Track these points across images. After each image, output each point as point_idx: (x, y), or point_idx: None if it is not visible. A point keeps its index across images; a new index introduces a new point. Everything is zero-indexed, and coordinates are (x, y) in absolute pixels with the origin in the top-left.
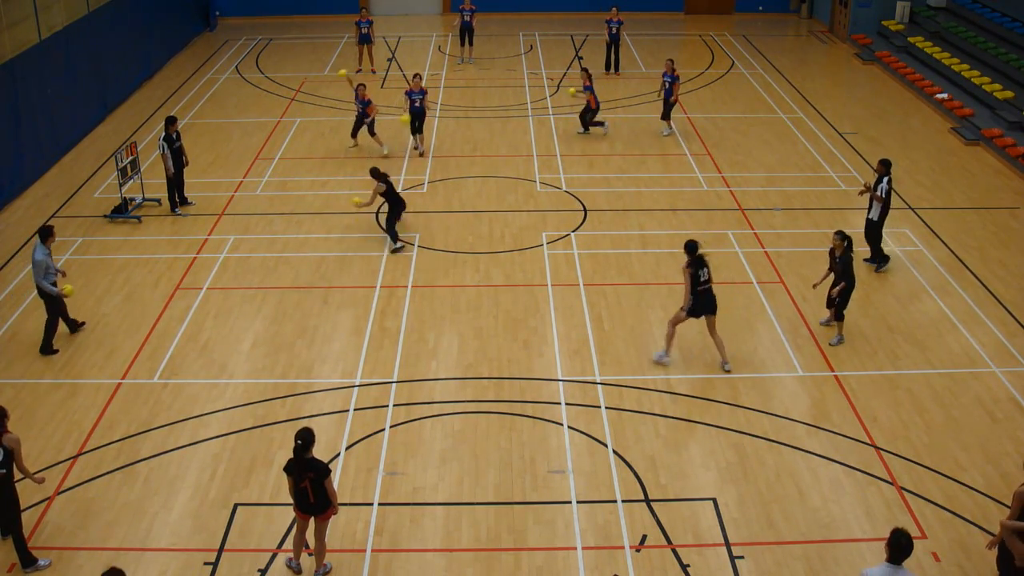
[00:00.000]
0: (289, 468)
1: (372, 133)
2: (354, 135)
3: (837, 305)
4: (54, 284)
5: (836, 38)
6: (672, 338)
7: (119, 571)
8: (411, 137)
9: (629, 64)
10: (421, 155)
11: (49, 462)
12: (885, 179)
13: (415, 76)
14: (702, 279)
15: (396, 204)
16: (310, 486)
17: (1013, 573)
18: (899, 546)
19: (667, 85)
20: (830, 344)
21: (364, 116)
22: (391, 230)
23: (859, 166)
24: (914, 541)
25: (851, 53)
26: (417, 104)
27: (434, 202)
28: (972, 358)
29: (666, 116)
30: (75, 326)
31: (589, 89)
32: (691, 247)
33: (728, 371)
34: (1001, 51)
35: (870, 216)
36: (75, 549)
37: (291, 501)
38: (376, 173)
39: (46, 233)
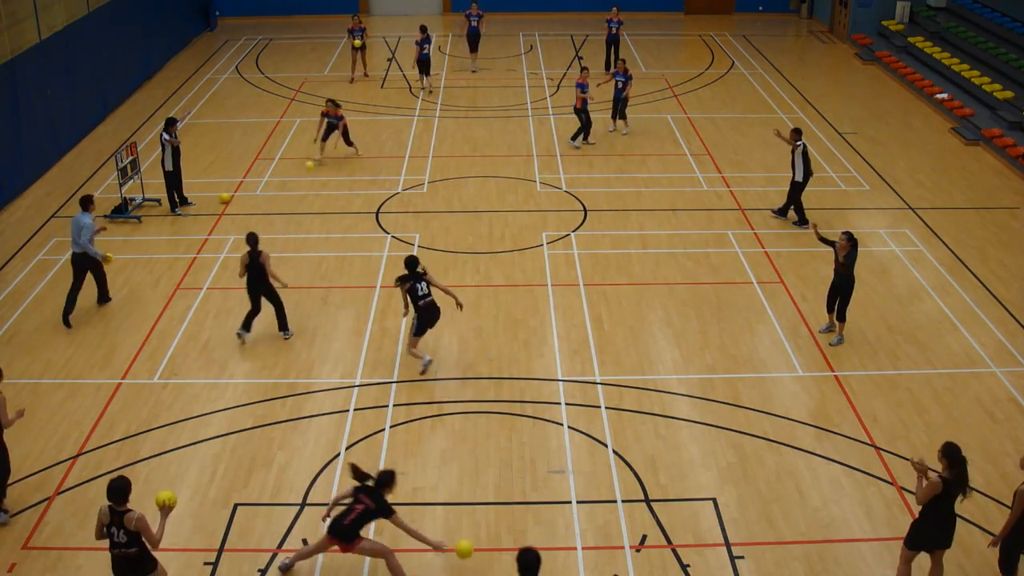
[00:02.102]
0: (356, 476)
1: (349, 142)
2: (324, 138)
3: (839, 306)
4: (85, 255)
5: (836, 38)
6: (417, 352)
7: (124, 479)
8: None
9: (629, 64)
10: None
11: (49, 462)
12: (800, 144)
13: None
14: (420, 292)
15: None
16: (359, 513)
17: (1013, 570)
18: (526, 565)
19: (620, 85)
20: (831, 344)
21: (334, 127)
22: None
23: (859, 166)
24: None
25: (851, 53)
26: (424, 46)
27: (434, 202)
28: (972, 358)
29: (622, 116)
30: (105, 297)
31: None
32: (410, 263)
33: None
34: (1001, 51)
35: (796, 179)
36: (75, 549)
37: (291, 501)
38: (251, 239)
39: (87, 201)
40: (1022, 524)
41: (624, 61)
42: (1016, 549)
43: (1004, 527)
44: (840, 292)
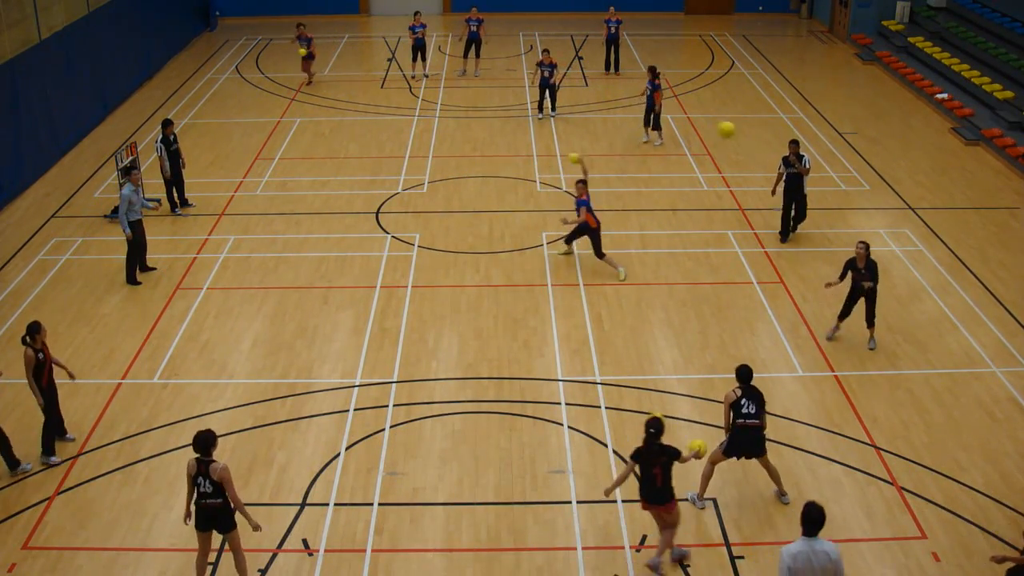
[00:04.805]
0: (636, 456)
1: None
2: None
3: (867, 313)
4: (138, 222)
5: (836, 38)
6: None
7: (209, 431)
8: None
9: (629, 64)
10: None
11: None
12: (805, 156)
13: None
14: (745, 410)
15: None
16: (661, 471)
17: None
18: (810, 518)
19: (649, 92)
20: (869, 348)
21: None
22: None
23: (859, 166)
24: (919, 540)
25: (851, 53)
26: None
27: (434, 202)
28: (972, 358)
29: (655, 126)
30: (145, 267)
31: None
32: (744, 373)
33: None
34: (1001, 51)
35: (806, 191)
36: (75, 549)
37: (291, 501)
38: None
39: (127, 170)
40: None
41: (654, 68)
42: None
43: None
44: (869, 298)
